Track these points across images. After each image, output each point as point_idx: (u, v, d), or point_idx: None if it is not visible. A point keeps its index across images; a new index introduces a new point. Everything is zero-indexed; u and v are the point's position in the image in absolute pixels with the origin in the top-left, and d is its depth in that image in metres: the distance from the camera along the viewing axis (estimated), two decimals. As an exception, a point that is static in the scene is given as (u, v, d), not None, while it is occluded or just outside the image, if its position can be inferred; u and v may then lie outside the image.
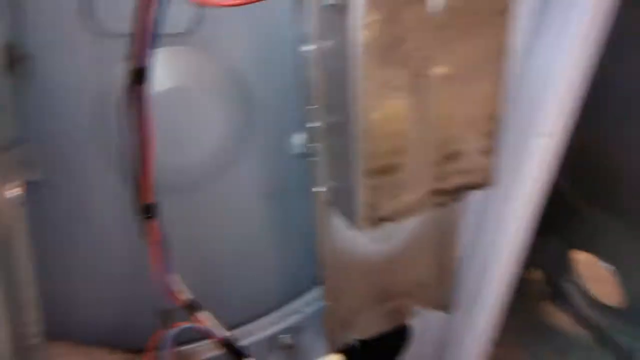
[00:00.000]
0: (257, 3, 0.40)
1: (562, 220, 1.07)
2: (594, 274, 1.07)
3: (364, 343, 0.71)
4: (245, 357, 0.60)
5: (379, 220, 0.50)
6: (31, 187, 0.46)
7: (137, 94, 0.42)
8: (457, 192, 0.52)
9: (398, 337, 0.80)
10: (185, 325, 0.56)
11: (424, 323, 0.79)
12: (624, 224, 0.93)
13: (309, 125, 0.49)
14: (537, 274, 1.22)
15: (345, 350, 0.71)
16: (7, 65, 0.42)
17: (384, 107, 0.43)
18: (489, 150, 0.51)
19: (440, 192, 0.51)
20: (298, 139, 0.56)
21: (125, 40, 0.40)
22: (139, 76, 0.41)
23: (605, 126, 0.91)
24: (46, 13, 0.44)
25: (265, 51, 0.51)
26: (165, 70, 0.48)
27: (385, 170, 0.47)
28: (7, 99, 0.42)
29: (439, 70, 0.44)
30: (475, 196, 0.69)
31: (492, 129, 0.50)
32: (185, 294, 0.56)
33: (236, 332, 0.66)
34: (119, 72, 0.43)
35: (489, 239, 0.69)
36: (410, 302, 0.71)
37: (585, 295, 1.10)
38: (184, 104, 0.50)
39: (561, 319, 1.14)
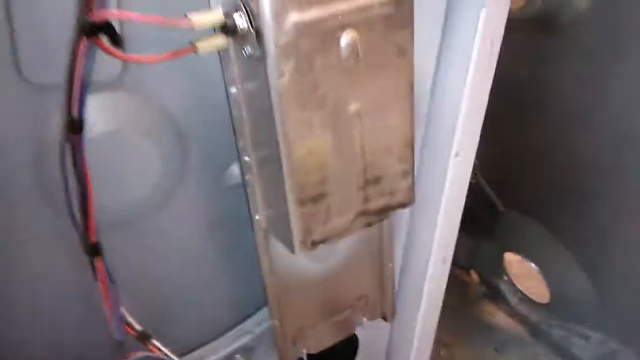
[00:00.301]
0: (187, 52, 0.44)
1: (492, 224, 1.15)
2: (522, 273, 1.16)
3: (312, 356, 0.76)
4: (199, 381, 0.63)
5: (313, 244, 0.54)
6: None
7: (73, 143, 0.45)
8: (382, 213, 0.57)
9: (346, 348, 0.84)
10: (139, 354, 0.59)
11: (369, 332, 0.84)
12: (545, 226, 1.02)
13: (241, 159, 0.53)
14: (475, 276, 1.30)
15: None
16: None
17: (306, 144, 0.48)
18: (407, 173, 0.56)
19: (367, 213, 0.56)
20: (235, 171, 0.60)
21: (55, 91, 0.43)
22: (74, 126, 0.44)
23: (525, 130, 0.99)
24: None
25: (196, 91, 0.55)
26: (99, 116, 0.51)
27: (315, 199, 0.51)
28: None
29: (353, 107, 0.49)
30: (403, 214, 0.76)
31: (407, 154, 0.55)
32: (136, 326, 0.59)
33: (191, 356, 0.69)
34: (55, 123, 0.46)
35: (419, 249, 0.75)
36: (355, 314, 0.76)
37: (517, 293, 1.18)
38: (120, 146, 0.53)
39: (499, 317, 1.22)
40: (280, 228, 0.54)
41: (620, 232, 0.88)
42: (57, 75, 0.41)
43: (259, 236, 0.59)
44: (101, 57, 0.39)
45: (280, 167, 0.49)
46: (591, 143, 0.86)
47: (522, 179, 1.04)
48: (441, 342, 1.12)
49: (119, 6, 0.43)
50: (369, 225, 0.57)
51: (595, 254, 0.93)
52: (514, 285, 1.19)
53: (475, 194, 1.16)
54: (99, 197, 0.48)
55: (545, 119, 0.92)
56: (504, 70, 0.87)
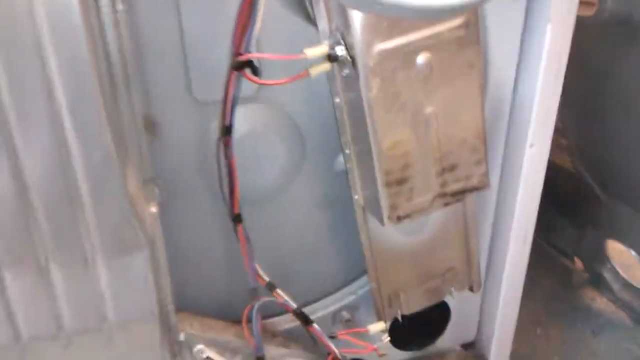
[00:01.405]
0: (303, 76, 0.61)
1: (595, 213, 1.19)
2: (625, 260, 1.18)
3: (407, 317, 0.89)
4: (312, 322, 0.81)
5: (399, 218, 0.68)
6: (160, 208, 0.70)
7: (225, 142, 0.64)
8: (459, 195, 0.70)
9: (439, 314, 0.97)
10: (267, 298, 0.77)
11: (460, 302, 0.95)
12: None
13: (343, 151, 0.69)
14: (579, 263, 1.33)
15: (392, 322, 0.90)
16: (145, 129, 0.65)
17: (391, 139, 0.62)
18: (480, 161, 0.68)
19: (445, 194, 0.69)
20: (340, 161, 0.76)
21: (215, 105, 0.62)
22: (226, 130, 0.63)
23: (622, 121, 1.03)
24: (164, 88, 0.67)
25: (311, 101, 0.72)
26: (242, 122, 0.70)
27: (399, 182, 0.66)
28: (146, 152, 0.66)
29: (429, 110, 0.62)
30: (490, 196, 0.86)
31: (480, 146, 0.67)
32: (266, 277, 0.78)
33: (306, 309, 0.87)
34: (213, 128, 0.65)
35: (503, 229, 0.86)
36: (444, 284, 0.88)
37: (619, 280, 1.20)
38: (257, 143, 0.71)
39: (599, 303, 1.25)
40: (373, 205, 0.69)
41: None
42: (216, 94, 0.60)
43: (358, 212, 0.74)
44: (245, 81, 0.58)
45: (371, 157, 0.64)
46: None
47: (621, 168, 1.07)
48: (538, 322, 1.19)
49: (258, 48, 0.61)
50: (447, 204, 0.70)
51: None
52: (616, 272, 1.21)
53: (577, 183, 1.21)
54: (241, 180, 0.67)
55: (634, 107, 0.96)
56: (599, 65, 0.93)
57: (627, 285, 1.20)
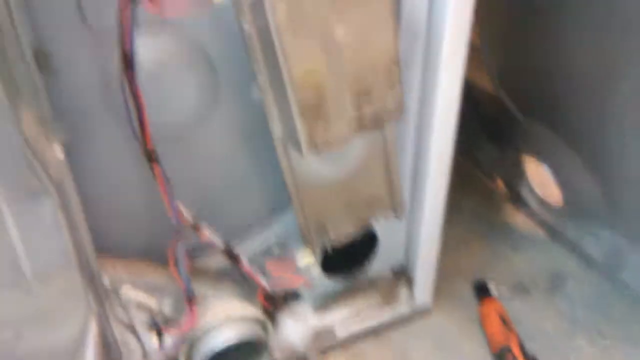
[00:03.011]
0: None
1: (515, 134, 1.24)
2: (539, 177, 1.25)
3: (335, 249, 0.92)
4: (239, 259, 0.81)
5: (318, 147, 0.68)
6: (67, 150, 0.66)
7: (129, 76, 0.60)
8: (375, 121, 0.70)
9: (365, 239, 0.99)
10: (192, 238, 0.77)
11: (386, 228, 0.98)
12: (555, 131, 1.10)
13: (257, 79, 0.67)
14: (500, 183, 1.41)
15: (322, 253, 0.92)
16: (38, 64, 0.60)
17: (303, 64, 0.61)
18: (394, 85, 0.68)
19: (362, 119, 0.69)
20: (255, 90, 0.73)
21: (113, 32, 0.57)
22: (128, 61, 0.60)
23: (536, 46, 1.06)
24: (54, 18, 0.61)
25: (220, 29, 0.68)
26: (148, 53, 0.66)
27: (314, 109, 0.65)
28: (42, 89, 0.61)
29: (340, 32, 0.61)
30: (408, 123, 0.87)
31: (393, 69, 0.67)
32: (189, 217, 0.76)
33: (234, 245, 0.87)
34: (114, 59, 0.61)
35: (423, 153, 0.88)
36: (369, 211, 0.90)
37: (535, 196, 1.28)
38: (166, 75, 0.68)
39: (518, 219, 1.33)
40: (292, 136, 0.68)
41: (622, 135, 0.95)
42: (113, 19, 0.55)
43: (277, 144, 0.73)
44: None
45: (284, 85, 0.62)
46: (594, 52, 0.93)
47: (536, 88, 1.11)
48: (461, 240, 1.26)
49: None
50: (364, 129, 0.70)
51: (601, 156, 1.01)
52: (533, 190, 1.29)
53: (497, 105, 1.25)
54: (151, 115, 0.64)
55: (548, 27, 0.99)
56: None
57: (542, 202, 1.28)
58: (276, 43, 0.59)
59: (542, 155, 1.19)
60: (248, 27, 0.62)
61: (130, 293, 0.75)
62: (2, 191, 0.58)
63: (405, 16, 0.74)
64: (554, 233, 1.26)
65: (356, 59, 0.63)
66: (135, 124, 0.63)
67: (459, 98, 0.80)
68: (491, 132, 1.37)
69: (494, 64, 1.20)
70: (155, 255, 0.78)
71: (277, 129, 0.71)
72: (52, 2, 0.59)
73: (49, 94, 0.62)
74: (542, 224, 1.29)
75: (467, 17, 0.72)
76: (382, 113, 0.69)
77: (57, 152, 0.62)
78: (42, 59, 0.60)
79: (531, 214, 1.31)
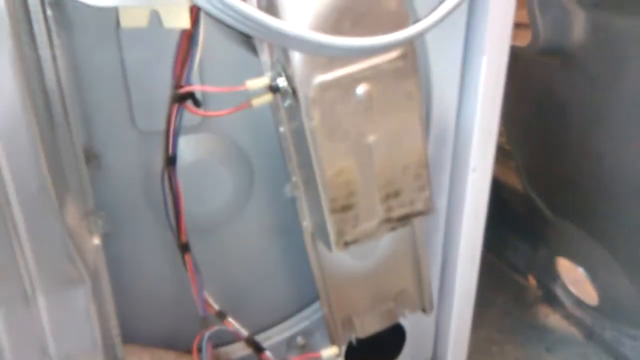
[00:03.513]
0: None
1: (546, 233, 1.23)
2: (574, 277, 1.21)
3: (361, 340, 0.90)
4: (263, 350, 0.80)
5: (346, 244, 0.69)
6: (105, 240, 0.69)
7: (169, 172, 0.64)
8: (405, 219, 0.71)
9: (392, 334, 0.97)
10: (218, 327, 0.77)
11: (415, 323, 0.96)
12: (588, 232, 1.08)
13: (290, 179, 0.70)
14: (532, 281, 1.37)
15: (347, 346, 0.90)
16: (86, 161, 0.65)
17: (335, 167, 0.63)
18: (423, 187, 0.70)
19: (390, 220, 0.70)
20: (288, 188, 0.76)
21: (159, 135, 0.62)
22: (169, 160, 0.63)
23: (563, 145, 1.07)
24: (105, 120, 0.66)
25: (257, 131, 0.72)
26: (188, 151, 0.70)
27: (344, 208, 0.66)
28: (88, 183, 0.65)
29: (371, 138, 0.64)
30: (438, 219, 0.88)
31: (422, 172, 0.69)
32: (216, 306, 0.77)
33: (258, 337, 0.86)
34: (158, 158, 0.65)
35: (452, 251, 0.87)
36: (397, 306, 0.89)
37: (571, 296, 1.24)
38: (203, 172, 0.71)
39: (553, 319, 1.28)
40: (321, 231, 0.70)
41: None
42: (159, 125, 0.60)
43: (307, 239, 0.75)
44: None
45: (317, 185, 0.64)
46: (613, 149, 0.93)
47: (565, 188, 1.11)
48: (493, 340, 1.21)
49: (202, 79, 0.61)
50: (393, 229, 0.71)
51: (635, 257, 0.99)
52: (567, 289, 1.25)
53: (526, 203, 1.24)
54: (188, 209, 0.66)
55: (574, 131, 1.00)
56: (540, 90, 0.97)
57: (577, 301, 1.23)
58: (310, 146, 0.62)
59: (576, 258, 1.17)
60: (284, 129, 0.66)
61: (153, 383, 0.75)
62: (40, 279, 0.61)
63: (435, 122, 0.77)
64: (590, 334, 1.20)
65: (386, 163, 0.66)
66: (172, 217, 0.66)
67: (487, 198, 0.81)
68: (523, 231, 1.35)
69: (521, 161, 1.21)
70: (181, 343, 0.79)
71: (307, 223, 0.72)
72: (104, 105, 0.64)
73: (94, 187, 0.66)
74: (578, 323, 1.24)
75: (495, 121, 0.74)
76: (410, 213, 0.71)
77: (96, 242, 0.64)
78: (91, 156, 0.64)
79: (566, 314, 1.27)
